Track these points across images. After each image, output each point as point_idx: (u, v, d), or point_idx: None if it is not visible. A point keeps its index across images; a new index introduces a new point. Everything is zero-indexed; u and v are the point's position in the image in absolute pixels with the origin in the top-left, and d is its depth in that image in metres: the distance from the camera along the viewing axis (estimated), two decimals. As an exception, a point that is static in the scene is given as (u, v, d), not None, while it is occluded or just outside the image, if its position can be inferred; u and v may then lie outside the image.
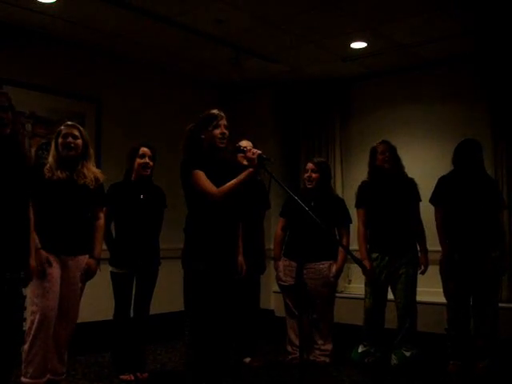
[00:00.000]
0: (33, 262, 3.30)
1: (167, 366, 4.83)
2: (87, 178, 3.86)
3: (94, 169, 3.96)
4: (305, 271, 4.55)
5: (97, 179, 3.93)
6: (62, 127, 3.88)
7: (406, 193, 4.75)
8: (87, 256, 3.89)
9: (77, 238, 3.85)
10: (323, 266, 4.67)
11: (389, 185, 4.75)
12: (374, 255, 4.72)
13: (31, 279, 3.36)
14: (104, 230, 4.38)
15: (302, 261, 4.47)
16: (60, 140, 3.82)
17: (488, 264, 4.38)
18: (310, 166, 4.78)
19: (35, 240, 3.49)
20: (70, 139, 3.82)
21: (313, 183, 4.72)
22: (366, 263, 4.64)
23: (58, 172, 3.76)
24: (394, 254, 4.66)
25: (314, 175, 4.73)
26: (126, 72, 5.93)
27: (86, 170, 3.87)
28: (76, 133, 3.86)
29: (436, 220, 4.63)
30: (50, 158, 3.84)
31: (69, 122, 3.94)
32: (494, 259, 4.40)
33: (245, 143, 4.28)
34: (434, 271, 4.65)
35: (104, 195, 4.11)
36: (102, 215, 4.06)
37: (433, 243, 4.70)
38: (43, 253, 3.62)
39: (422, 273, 4.71)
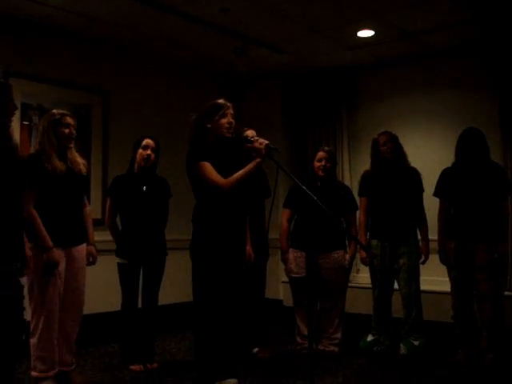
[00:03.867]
0: (28, 252, 3.32)
1: (176, 356, 4.85)
2: (80, 165, 3.87)
3: (78, 154, 3.92)
4: (320, 261, 4.55)
5: (85, 165, 3.93)
6: (57, 115, 3.79)
7: (408, 182, 4.76)
8: (85, 244, 3.92)
9: (79, 226, 3.88)
10: (337, 255, 4.67)
11: (391, 174, 4.77)
12: (374, 242, 4.76)
13: (49, 274, 3.38)
14: (110, 222, 4.43)
15: (315, 251, 4.46)
16: (64, 130, 3.76)
17: (489, 255, 4.33)
18: (323, 154, 4.74)
19: (46, 237, 3.49)
20: (72, 130, 3.80)
21: (326, 172, 4.71)
22: (362, 253, 4.73)
23: (59, 163, 3.72)
24: (393, 242, 4.69)
25: (328, 164, 4.71)
26: (132, 63, 5.92)
27: (76, 158, 3.86)
28: (74, 122, 3.83)
29: (439, 211, 4.63)
30: (47, 147, 3.72)
31: (63, 111, 3.88)
32: (490, 250, 4.34)
33: (250, 133, 4.26)
34: (438, 260, 4.64)
35: (89, 181, 4.08)
36: (87, 201, 4.05)
37: (436, 233, 4.69)
38: (57, 252, 3.60)
39: (423, 263, 4.73)
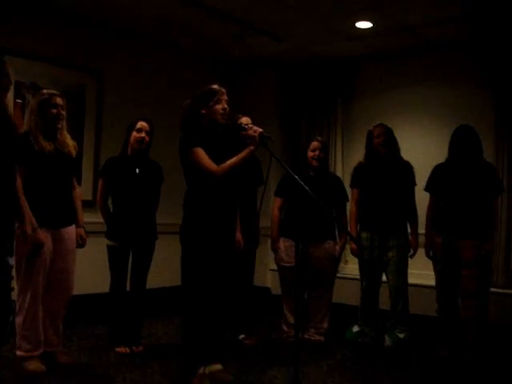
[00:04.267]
0: (28, 229, 3.29)
1: (162, 340, 4.87)
2: (69, 147, 3.84)
3: (69, 136, 3.90)
4: (311, 250, 4.56)
5: (75, 147, 3.91)
6: (46, 95, 3.75)
7: (400, 176, 4.78)
8: (74, 226, 3.90)
9: (68, 208, 3.87)
10: (328, 245, 4.68)
11: (383, 167, 4.79)
12: (364, 234, 4.79)
13: (34, 255, 3.37)
14: (101, 204, 4.42)
15: (306, 241, 4.48)
16: (52, 110, 3.72)
17: (475, 251, 4.35)
18: (317, 144, 4.73)
19: (31, 217, 3.43)
20: (60, 110, 3.76)
21: (319, 162, 4.71)
22: (352, 245, 4.78)
23: (46, 143, 3.69)
24: (383, 235, 4.72)
25: (322, 154, 4.72)
26: (128, 45, 5.88)
27: (65, 139, 3.83)
28: (63, 103, 3.79)
29: (428, 206, 4.66)
30: (33, 128, 3.68)
31: (52, 91, 3.83)
32: (476, 247, 4.36)
33: (245, 120, 4.25)
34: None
35: (79, 163, 4.04)
36: (76, 183, 4.04)
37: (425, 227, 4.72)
38: (41, 233, 3.52)
39: (411, 256, 4.76)
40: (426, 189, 4.68)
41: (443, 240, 4.49)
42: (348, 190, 4.95)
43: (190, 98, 3.62)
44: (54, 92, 3.82)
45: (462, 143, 4.46)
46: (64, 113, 3.80)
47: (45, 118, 3.72)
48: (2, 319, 2.90)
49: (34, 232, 3.42)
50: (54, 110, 3.73)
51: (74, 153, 3.89)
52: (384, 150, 4.77)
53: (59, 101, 3.77)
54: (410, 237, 4.79)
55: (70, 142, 3.88)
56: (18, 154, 3.26)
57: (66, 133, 3.86)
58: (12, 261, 3.14)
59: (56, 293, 3.80)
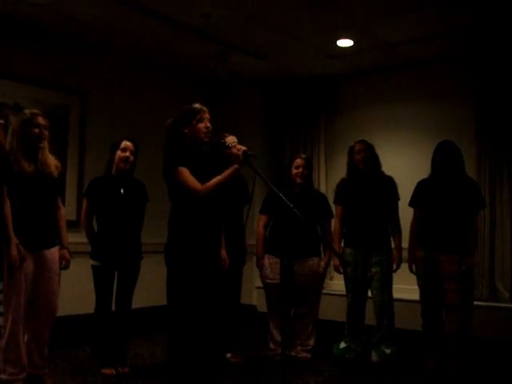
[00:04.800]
0: (14, 252, 3.27)
1: (148, 360, 4.83)
2: (51, 167, 3.80)
3: (51, 156, 3.85)
4: (295, 267, 4.54)
5: (57, 167, 3.86)
6: (28, 115, 3.72)
7: (382, 191, 4.80)
8: (58, 247, 3.87)
9: (49, 229, 3.83)
10: (312, 262, 4.70)
11: (364, 183, 4.82)
12: (347, 251, 4.81)
13: (14, 268, 3.33)
14: (86, 224, 4.40)
15: (290, 258, 4.47)
16: (34, 130, 3.69)
17: (457, 266, 4.38)
18: (300, 162, 4.78)
19: (12, 235, 3.41)
20: (42, 130, 3.73)
21: (303, 179, 4.73)
22: (335, 261, 4.79)
23: (26, 164, 3.65)
24: (366, 250, 4.74)
25: (305, 171, 4.75)
26: (111, 65, 5.89)
27: (47, 159, 3.79)
28: (45, 123, 3.76)
29: (412, 220, 4.69)
30: (15, 148, 3.64)
31: (34, 110, 3.80)
32: (458, 262, 4.39)
33: (230, 139, 4.27)
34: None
35: (63, 183, 4.01)
36: (61, 204, 4.00)
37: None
38: (21, 248, 3.52)
39: (394, 271, 4.78)
40: (410, 204, 4.71)
41: (424, 254, 4.52)
42: (332, 206, 4.97)
43: (171, 119, 3.62)
44: (36, 112, 3.79)
45: (444, 159, 4.51)
46: (46, 133, 3.76)
47: (26, 138, 3.68)
48: None
49: (13, 249, 3.39)
50: (36, 130, 3.70)
51: (55, 173, 3.83)
52: (364, 165, 4.80)
53: (41, 120, 3.74)
54: (393, 251, 4.81)
55: (52, 162, 3.82)
56: (2, 178, 3.23)
57: (47, 153, 3.81)
58: (1, 285, 3.11)
59: (41, 315, 3.76)
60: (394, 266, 4.76)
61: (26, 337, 3.73)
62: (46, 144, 3.79)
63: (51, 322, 3.84)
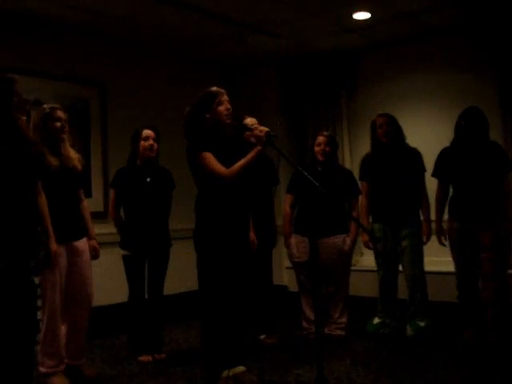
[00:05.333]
0: (54, 246, 3.31)
1: (183, 346, 4.87)
2: (74, 161, 3.83)
3: (72, 149, 3.87)
4: (319, 246, 4.52)
5: (80, 160, 3.89)
6: (47, 110, 3.74)
7: (408, 164, 4.74)
8: (86, 238, 3.90)
9: (78, 221, 3.87)
10: (338, 239, 4.67)
11: (389, 157, 4.77)
12: (376, 226, 4.78)
13: (50, 264, 3.38)
14: (114, 214, 4.44)
15: (315, 236, 4.46)
16: (55, 124, 3.72)
17: (488, 233, 4.31)
18: (322, 139, 4.73)
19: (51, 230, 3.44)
20: (63, 123, 3.75)
21: (325, 156, 4.70)
22: (364, 237, 4.75)
23: (52, 159, 3.68)
24: (395, 225, 4.71)
25: (327, 148, 4.70)
26: (128, 55, 5.89)
27: (69, 153, 3.82)
28: (65, 116, 3.78)
29: (436, 191, 4.62)
30: (39, 143, 3.60)
31: (53, 105, 3.83)
32: (495, 229, 4.33)
33: (250, 120, 4.24)
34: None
35: (86, 176, 4.02)
36: (83, 196, 4.02)
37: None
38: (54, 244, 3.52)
39: (424, 243, 4.73)
40: (434, 174, 4.64)
41: (459, 226, 4.44)
42: (358, 182, 4.93)
43: (190, 105, 3.60)
44: (56, 106, 3.82)
45: (469, 123, 4.42)
46: (67, 126, 3.80)
47: (49, 133, 3.71)
48: (30, 338, 2.90)
49: (53, 243, 3.43)
50: (58, 124, 3.73)
51: (79, 166, 3.87)
52: (386, 139, 4.74)
53: (61, 114, 3.77)
54: (422, 224, 4.75)
55: (74, 156, 3.86)
56: (38, 172, 3.26)
57: (69, 146, 3.84)
58: (37, 280, 3.14)
59: (77, 306, 3.81)
60: (424, 239, 4.71)
61: (64, 328, 3.79)
62: (66, 138, 3.82)
63: (88, 311, 3.89)
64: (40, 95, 5.07)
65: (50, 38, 5.26)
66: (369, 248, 4.87)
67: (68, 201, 3.81)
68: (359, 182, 4.92)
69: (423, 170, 4.80)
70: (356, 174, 5.01)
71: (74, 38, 5.43)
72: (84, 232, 3.91)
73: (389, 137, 4.74)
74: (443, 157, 4.59)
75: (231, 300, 3.50)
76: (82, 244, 3.85)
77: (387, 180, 4.75)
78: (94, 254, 3.98)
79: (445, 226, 4.59)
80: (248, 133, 3.53)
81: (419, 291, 4.68)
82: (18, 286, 2.85)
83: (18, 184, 3.04)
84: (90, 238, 3.95)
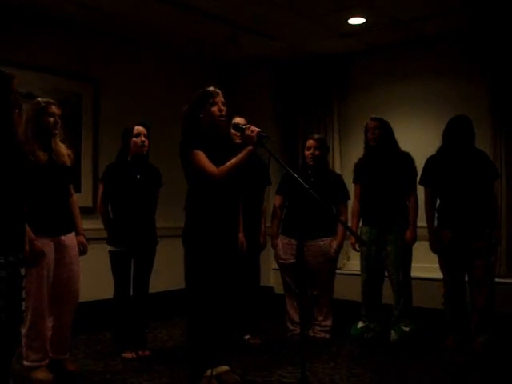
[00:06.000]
0: (27, 247, 3.29)
1: (168, 343, 4.87)
2: (64, 157, 3.82)
3: (63, 145, 3.86)
4: (305, 248, 4.55)
5: (69, 156, 3.88)
6: (42, 104, 3.72)
7: (397, 168, 4.75)
8: (74, 233, 3.89)
9: (66, 216, 3.85)
10: (323, 242, 4.69)
11: (378, 161, 4.79)
12: (364, 229, 4.81)
13: (34, 264, 3.36)
14: (102, 210, 4.42)
15: (302, 238, 4.47)
16: (49, 119, 3.70)
17: (481, 240, 4.37)
18: (311, 143, 4.75)
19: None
20: (57, 119, 3.74)
21: (315, 160, 4.71)
22: (351, 239, 4.80)
23: (40, 153, 3.65)
24: (381, 228, 4.73)
25: (316, 152, 4.72)
26: (123, 51, 5.89)
27: (59, 148, 3.80)
28: (59, 111, 3.77)
29: (424, 199, 4.65)
30: (30, 138, 3.63)
31: (48, 99, 3.81)
32: (487, 236, 4.39)
33: (239, 120, 4.23)
34: (428, 247, 4.66)
35: (76, 171, 4.00)
36: (73, 191, 4.01)
37: (424, 219, 4.71)
38: (42, 242, 3.50)
39: (409, 246, 4.74)
40: (421, 182, 4.67)
41: (452, 234, 4.47)
42: (350, 186, 4.96)
43: (187, 104, 3.61)
44: (50, 100, 3.80)
45: (454, 132, 4.47)
46: (60, 122, 3.79)
47: (41, 127, 3.70)
48: (14, 330, 2.89)
49: (32, 243, 3.40)
50: (52, 119, 3.72)
51: (68, 161, 3.86)
52: (375, 143, 4.77)
53: (55, 109, 3.76)
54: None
55: (65, 151, 3.84)
56: (26, 180, 3.24)
57: (59, 142, 3.82)
58: (23, 271, 3.13)
59: (64, 301, 3.80)
60: (407, 242, 4.70)
61: (50, 322, 3.78)
62: (58, 133, 3.80)
63: (74, 306, 3.89)
64: (33, 88, 5.05)
65: (45, 32, 5.25)
66: (356, 250, 4.88)
67: (56, 195, 3.79)
68: (352, 185, 4.94)
69: (415, 174, 4.79)
70: (346, 178, 5.04)
71: (69, 33, 5.42)
72: (72, 227, 3.90)
73: (377, 141, 4.76)
74: (430, 164, 4.62)
75: (216, 299, 3.51)
76: (70, 239, 3.84)
77: (376, 184, 4.77)
78: (82, 250, 3.98)
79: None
80: (239, 133, 3.53)
81: (403, 296, 4.71)
82: (9, 279, 2.84)
83: (12, 181, 3.01)
84: (78, 233, 3.95)
